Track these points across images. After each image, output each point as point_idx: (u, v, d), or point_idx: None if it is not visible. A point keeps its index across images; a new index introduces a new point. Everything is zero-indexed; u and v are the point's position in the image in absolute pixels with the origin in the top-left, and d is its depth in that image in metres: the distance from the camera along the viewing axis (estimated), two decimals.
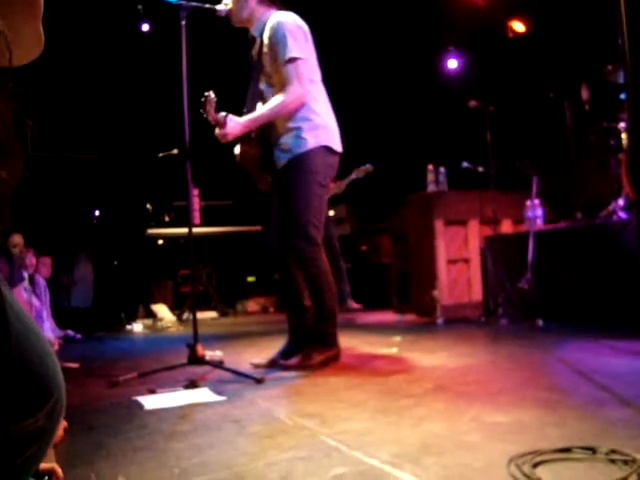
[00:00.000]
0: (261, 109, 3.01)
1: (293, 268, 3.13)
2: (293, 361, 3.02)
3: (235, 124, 2.94)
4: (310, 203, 2.99)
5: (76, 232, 6.88)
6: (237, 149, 3.25)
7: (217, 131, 2.97)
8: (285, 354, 3.14)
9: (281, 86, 3.00)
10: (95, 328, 5.90)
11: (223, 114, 2.91)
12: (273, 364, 3.08)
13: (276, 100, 2.96)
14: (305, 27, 3.05)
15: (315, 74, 3.10)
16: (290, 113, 2.99)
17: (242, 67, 3.40)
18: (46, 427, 0.64)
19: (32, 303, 4.64)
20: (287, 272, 3.17)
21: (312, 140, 3.01)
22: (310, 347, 3.04)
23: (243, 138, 3.10)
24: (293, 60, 2.93)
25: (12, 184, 0.57)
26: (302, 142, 3.00)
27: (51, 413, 0.64)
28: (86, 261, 6.78)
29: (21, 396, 0.60)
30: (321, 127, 3.04)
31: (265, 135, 3.13)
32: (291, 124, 3.02)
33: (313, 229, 2.98)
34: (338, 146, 3.11)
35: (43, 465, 1.38)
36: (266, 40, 3.02)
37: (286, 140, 3.04)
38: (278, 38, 2.95)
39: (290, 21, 3.00)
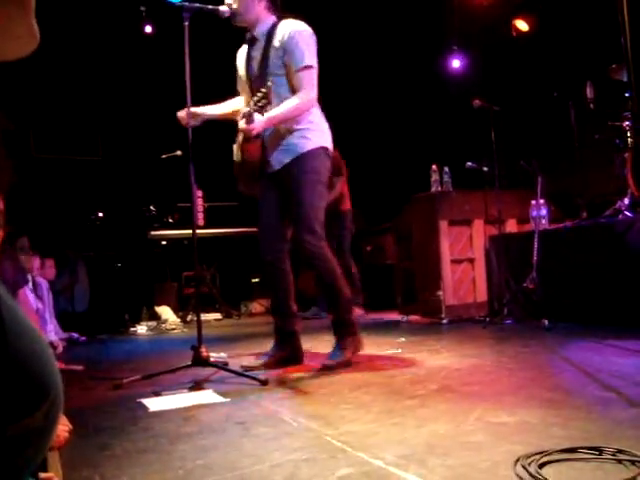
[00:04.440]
0: (275, 110, 3.03)
1: (283, 270, 3.21)
2: (331, 361, 3.04)
3: (259, 121, 2.98)
4: (314, 200, 3.10)
5: (78, 234, 6.88)
6: (236, 151, 3.27)
7: (242, 125, 2.98)
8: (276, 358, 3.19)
9: (289, 89, 3.09)
10: (99, 330, 5.91)
11: (247, 109, 2.99)
12: (268, 366, 3.12)
13: (290, 103, 3.04)
14: (315, 37, 3.15)
15: None
16: (299, 116, 3.10)
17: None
18: (44, 426, 0.64)
19: (35, 305, 4.65)
20: (277, 272, 3.22)
21: (316, 141, 3.14)
22: (342, 341, 3.12)
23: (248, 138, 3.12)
24: (309, 67, 3.05)
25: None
26: (308, 142, 3.12)
27: (49, 412, 0.64)
28: (81, 264, 6.77)
29: (19, 396, 0.60)
30: (322, 130, 3.20)
31: (265, 137, 3.15)
32: (297, 126, 3.11)
33: (318, 224, 3.08)
34: (331, 149, 3.26)
35: (43, 475, 1.38)
36: (277, 43, 3.10)
37: (291, 141, 3.12)
38: (293, 45, 3.05)
39: (306, 30, 3.11)
